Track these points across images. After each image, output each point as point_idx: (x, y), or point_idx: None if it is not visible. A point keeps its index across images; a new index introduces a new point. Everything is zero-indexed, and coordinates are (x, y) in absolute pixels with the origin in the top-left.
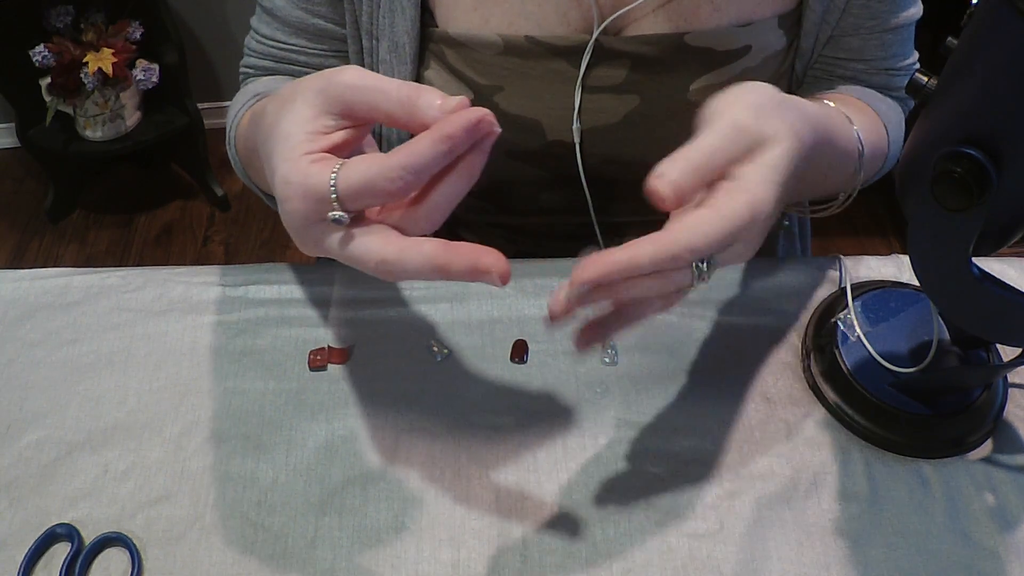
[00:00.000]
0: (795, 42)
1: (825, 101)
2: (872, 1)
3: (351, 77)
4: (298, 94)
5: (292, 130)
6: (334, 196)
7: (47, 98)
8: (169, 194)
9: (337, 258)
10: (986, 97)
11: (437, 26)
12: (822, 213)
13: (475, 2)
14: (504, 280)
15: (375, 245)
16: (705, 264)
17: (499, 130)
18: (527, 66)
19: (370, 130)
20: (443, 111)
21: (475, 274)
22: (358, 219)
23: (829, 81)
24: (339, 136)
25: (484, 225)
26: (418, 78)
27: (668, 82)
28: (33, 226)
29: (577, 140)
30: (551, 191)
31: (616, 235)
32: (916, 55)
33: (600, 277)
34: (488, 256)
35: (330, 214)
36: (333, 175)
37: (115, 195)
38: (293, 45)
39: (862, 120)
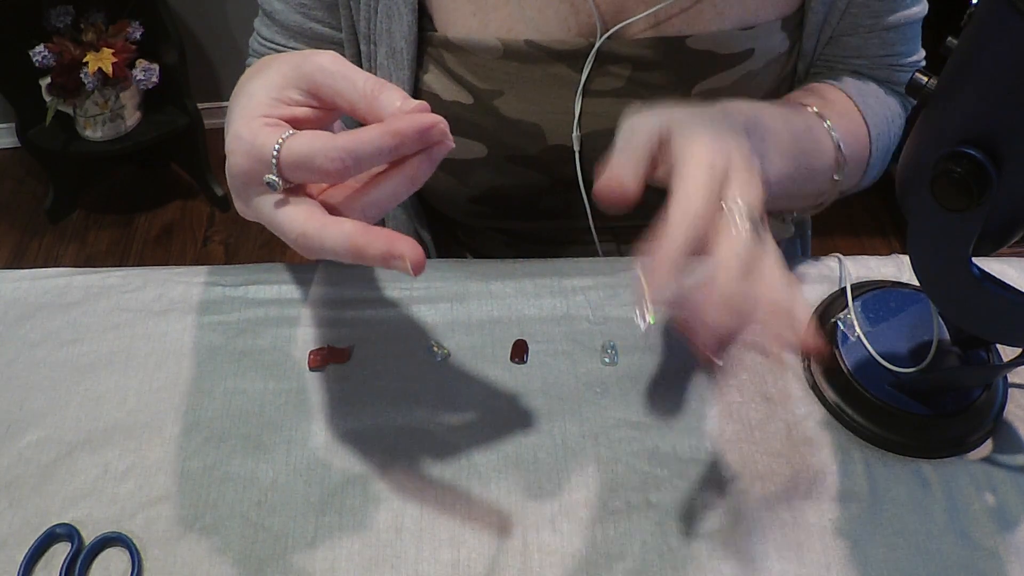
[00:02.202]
0: (797, 44)
1: (810, 108)
2: (873, 0)
3: (325, 60)
4: (275, 62)
5: (257, 91)
6: (274, 161)
7: (47, 98)
8: (169, 194)
9: (264, 222)
10: (986, 97)
11: (436, 30)
12: (802, 212)
13: (474, 7)
14: (417, 270)
15: (300, 216)
16: (736, 213)
17: (451, 144)
18: (527, 70)
19: (337, 117)
20: (401, 111)
21: (388, 259)
22: (296, 191)
23: (830, 76)
24: (301, 111)
25: (483, 229)
26: (416, 82)
27: (670, 86)
28: (33, 226)
29: (577, 147)
30: (551, 195)
31: (615, 239)
32: (922, 52)
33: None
34: (403, 243)
35: (265, 176)
36: (279, 141)
37: (115, 195)
38: (292, 49)
39: (844, 124)
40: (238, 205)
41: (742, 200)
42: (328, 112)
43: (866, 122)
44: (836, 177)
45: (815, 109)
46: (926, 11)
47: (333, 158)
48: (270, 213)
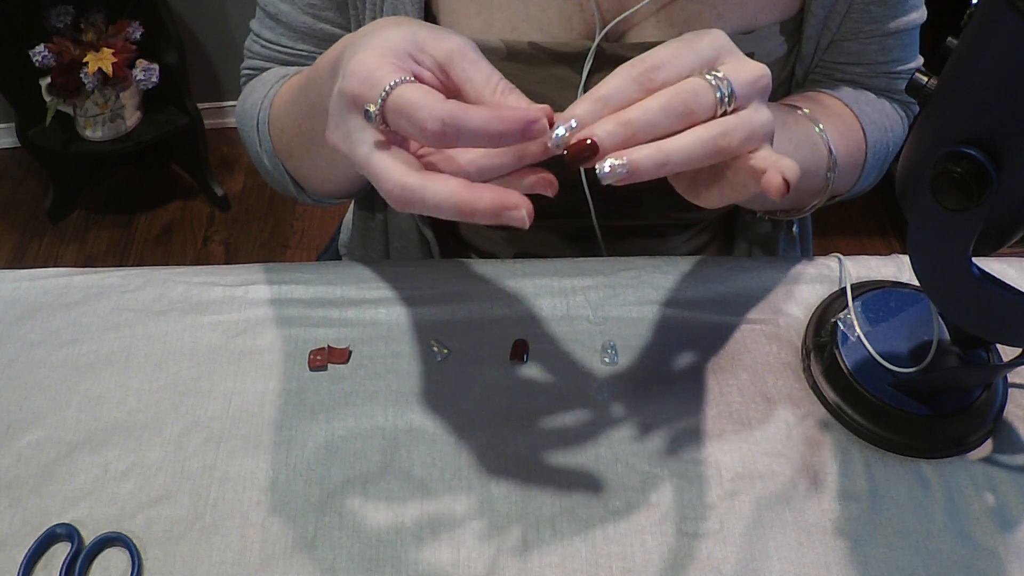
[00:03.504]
0: (796, 48)
1: (801, 110)
2: (872, 5)
3: (468, 44)
4: (412, 22)
5: (395, 38)
6: (383, 95)
7: (47, 98)
8: (169, 194)
9: (355, 160)
10: (986, 97)
11: None
12: (797, 215)
13: (478, 7)
14: (531, 218)
15: (398, 168)
16: (704, 71)
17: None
18: (530, 72)
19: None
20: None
21: (500, 213)
22: (395, 140)
23: (827, 84)
24: (427, 76)
25: (484, 227)
26: None
27: None
28: (33, 226)
29: None
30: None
31: (617, 239)
32: (920, 60)
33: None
34: (513, 195)
35: (367, 104)
36: (397, 80)
37: (115, 195)
38: (300, 50)
39: (836, 125)
40: (331, 131)
41: (723, 73)
42: (449, 93)
43: (862, 127)
44: (829, 175)
45: (806, 111)
46: (925, 17)
47: (436, 118)
48: (366, 153)
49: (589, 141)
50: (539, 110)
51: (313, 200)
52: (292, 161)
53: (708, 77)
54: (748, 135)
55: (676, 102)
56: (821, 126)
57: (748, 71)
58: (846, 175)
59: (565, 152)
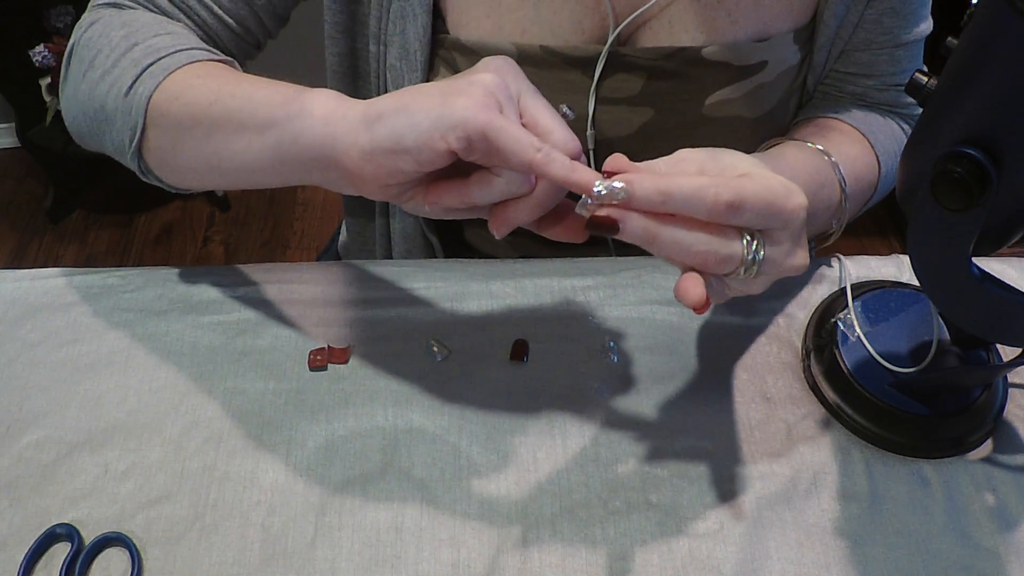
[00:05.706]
0: (808, 57)
1: (816, 146)
2: (884, 17)
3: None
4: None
5: (498, 84)
6: (472, 126)
7: (47, 98)
8: (169, 194)
9: (491, 127)
10: (986, 97)
11: (448, 32)
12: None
13: (488, 8)
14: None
15: (530, 135)
16: (755, 243)
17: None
18: (541, 76)
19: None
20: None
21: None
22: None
23: (838, 98)
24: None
25: (489, 233)
26: None
27: (684, 95)
28: (33, 226)
29: (591, 147)
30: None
31: (626, 245)
32: (924, 70)
33: (632, 179)
34: (570, 219)
35: (452, 135)
36: (498, 119)
37: (115, 195)
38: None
39: (850, 152)
40: (471, 104)
41: (767, 256)
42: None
43: (877, 156)
44: (843, 203)
45: (820, 147)
46: (931, 29)
47: (523, 152)
48: (503, 122)
49: (614, 223)
50: (589, 181)
51: (142, 170)
52: (186, 134)
53: (753, 258)
54: (730, 293)
55: (702, 254)
56: (834, 158)
57: (788, 266)
58: (853, 207)
59: (590, 214)
